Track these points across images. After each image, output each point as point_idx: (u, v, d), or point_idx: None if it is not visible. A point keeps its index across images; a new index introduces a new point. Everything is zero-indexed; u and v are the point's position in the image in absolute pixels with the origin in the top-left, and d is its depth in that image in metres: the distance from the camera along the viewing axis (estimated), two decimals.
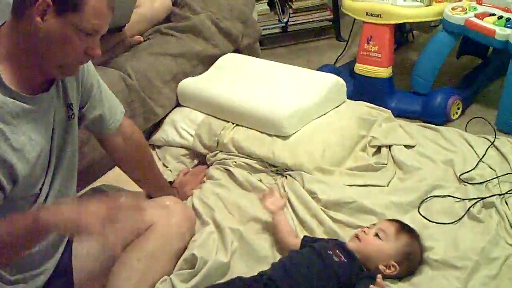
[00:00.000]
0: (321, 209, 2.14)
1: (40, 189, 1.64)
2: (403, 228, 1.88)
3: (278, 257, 1.96)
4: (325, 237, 2.02)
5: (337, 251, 1.81)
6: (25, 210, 1.60)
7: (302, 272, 1.73)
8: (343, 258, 1.78)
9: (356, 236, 1.87)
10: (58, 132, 1.69)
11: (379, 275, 1.68)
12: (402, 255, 1.82)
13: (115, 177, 2.32)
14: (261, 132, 2.49)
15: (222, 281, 1.86)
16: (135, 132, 2.09)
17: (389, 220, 1.95)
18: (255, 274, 1.82)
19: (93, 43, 1.57)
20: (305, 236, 1.97)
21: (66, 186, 1.78)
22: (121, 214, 1.50)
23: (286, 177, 2.34)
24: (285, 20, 4.27)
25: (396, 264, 1.80)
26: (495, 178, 2.26)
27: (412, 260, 1.85)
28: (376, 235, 1.85)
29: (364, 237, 1.85)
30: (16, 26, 1.51)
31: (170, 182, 2.41)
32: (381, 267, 1.80)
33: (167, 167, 2.59)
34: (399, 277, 1.84)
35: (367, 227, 1.90)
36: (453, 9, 2.93)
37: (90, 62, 1.81)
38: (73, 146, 1.78)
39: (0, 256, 1.54)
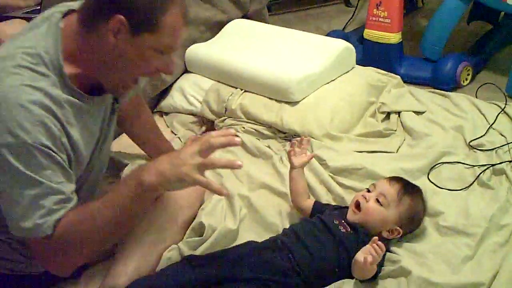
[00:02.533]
0: (329, 175, 2.13)
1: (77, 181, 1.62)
2: (405, 190, 1.82)
3: (286, 224, 1.95)
4: (334, 203, 2.01)
5: (343, 221, 1.78)
6: None
7: (313, 241, 1.72)
8: (349, 229, 1.76)
9: (356, 206, 1.81)
10: (106, 127, 1.69)
11: (375, 237, 1.65)
12: (405, 219, 1.79)
13: (122, 145, 2.31)
14: (270, 98, 2.48)
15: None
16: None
17: (389, 179, 1.87)
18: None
19: (167, 60, 1.54)
20: (316, 201, 1.95)
21: (99, 174, 1.78)
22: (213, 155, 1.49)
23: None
24: None
25: (399, 228, 1.78)
26: (505, 144, 2.25)
27: (415, 220, 1.83)
28: (377, 200, 1.79)
29: (365, 205, 1.79)
30: (85, 35, 1.47)
31: None
32: (384, 233, 1.78)
33: (175, 134, 2.58)
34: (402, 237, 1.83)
35: (368, 190, 1.84)
36: None
37: None
38: (112, 138, 1.79)
39: (115, 231, 1.54)
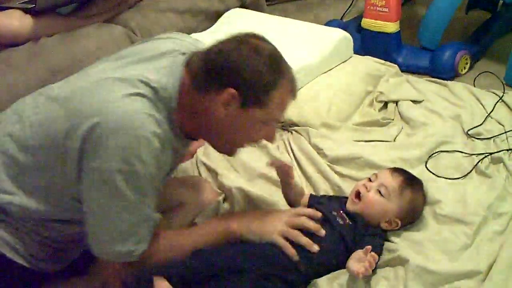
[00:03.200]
0: (327, 164, 2.12)
1: None
2: (407, 183, 1.81)
3: None
4: (332, 192, 2.01)
5: (341, 212, 1.76)
6: None
7: (312, 235, 1.68)
8: (347, 220, 1.74)
9: (357, 195, 1.79)
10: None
11: (368, 247, 1.63)
12: (405, 211, 1.78)
13: None
14: None
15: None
16: None
17: (392, 171, 1.85)
18: None
19: (272, 131, 1.59)
20: (311, 195, 1.92)
21: None
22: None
23: (292, 132, 2.33)
24: None
25: (398, 220, 1.77)
26: (503, 133, 2.25)
27: (415, 213, 1.83)
28: (378, 191, 1.77)
29: (365, 195, 1.76)
30: (197, 96, 1.50)
31: None
32: (383, 224, 1.76)
33: None
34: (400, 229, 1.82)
35: (369, 180, 1.82)
36: None
37: None
38: None
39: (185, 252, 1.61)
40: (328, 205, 1.80)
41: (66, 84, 1.61)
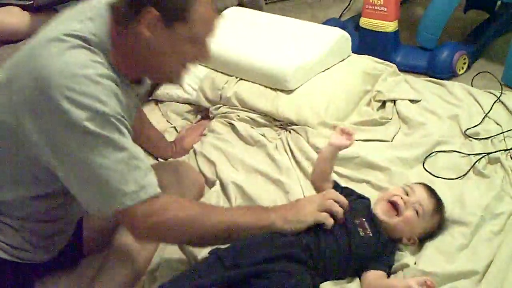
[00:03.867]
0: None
1: None
2: (440, 207, 1.78)
3: None
4: None
5: (364, 220, 1.67)
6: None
7: (328, 239, 1.62)
8: (368, 231, 1.65)
9: (392, 204, 1.71)
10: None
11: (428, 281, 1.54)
12: (427, 233, 1.76)
13: None
14: (265, 87, 2.47)
15: None
16: None
17: (427, 190, 1.79)
18: None
19: (204, 49, 1.58)
20: (335, 184, 1.83)
21: None
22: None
23: (290, 132, 2.33)
24: None
25: (417, 239, 1.74)
26: (501, 133, 2.25)
27: (433, 234, 1.79)
28: (415, 209, 1.70)
29: (403, 210, 1.69)
30: (124, 30, 1.49)
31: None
32: (404, 240, 1.73)
33: (171, 124, 2.57)
34: None
35: (406, 193, 1.74)
36: None
37: None
38: None
39: (211, 239, 1.59)
40: (350, 214, 1.68)
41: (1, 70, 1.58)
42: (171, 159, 2.25)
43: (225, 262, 1.51)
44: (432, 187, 1.94)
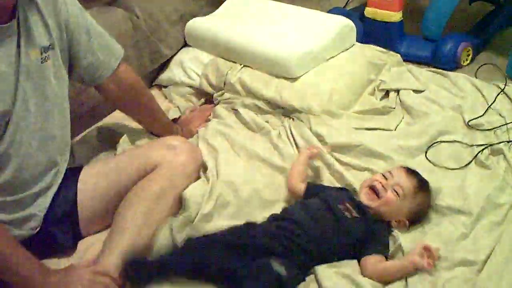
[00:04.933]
0: (328, 152, 2.12)
1: (7, 124, 1.64)
2: (420, 186, 1.83)
3: (283, 200, 1.97)
4: (334, 180, 2.01)
5: (347, 205, 1.77)
6: None
7: (314, 226, 1.70)
8: (354, 213, 1.75)
9: (372, 189, 1.82)
10: (29, 75, 1.66)
11: (426, 245, 1.63)
12: (415, 213, 1.81)
13: (120, 115, 2.31)
14: (269, 74, 2.47)
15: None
16: (130, 77, 2.08)
17: (406, 171, 1.87)
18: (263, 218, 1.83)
19: None
20: (309, 183, 1.93)
21: (52, 127, 1.78)
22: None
23: (293, 119, 2.33)
24: None
25: (406, 221, 1.79)
26: (504, 125, 2.25)
27: (422, 214, 1.84)
28: (394, 191, 1.79)
29: (383, 193, 1.79)
30: None
31: (176, 119, 2.41)
32: (393, 223, 1.79)
33: (174, 104, 2.58)
34: None
35: (384, 177, 1.84)
36: None
37: (74, 10, 1.82)
38: (45, 92, 1.74)
39: None
40: (333, 197, 1.80)
41: None
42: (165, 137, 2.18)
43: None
44: (434, 176, 1.96)
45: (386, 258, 1.70)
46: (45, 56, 1.71)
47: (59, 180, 1.85)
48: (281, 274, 1.56)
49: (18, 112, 1.65)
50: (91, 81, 1.99)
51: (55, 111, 1.79)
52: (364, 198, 1.81)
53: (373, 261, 1.66)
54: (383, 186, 1.81)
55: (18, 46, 1.63)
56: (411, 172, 1.87)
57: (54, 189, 1.84)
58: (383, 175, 1.85)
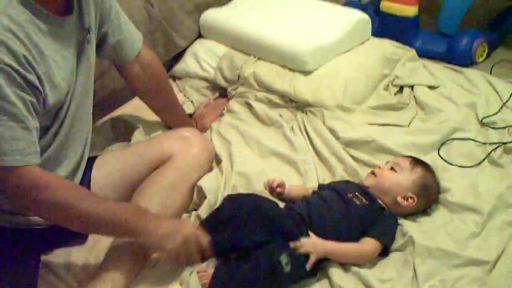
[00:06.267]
0: (341, 147, 2.13)
1: (59, 111, 1.65)
2: (417, 160, 1.90)
3: None
4: (347, 175, 2.02)
5: (357, 193, 1.80)
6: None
7: (328, 212, 1.74)
8: (364, 200, 1.78)
9: (372, 173, 1.89)
10: (77, 56, 1.68)
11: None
12: (419, 186, 1.83)
13: (134, 107, 2.32)
14: (283, 67, 2.47)
15: None
16: (154, 61, 2.09)
17: (403, 155, 1.97)
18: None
19: None
20: (320, 185, 1.94)
21: (82, 110, 1.78)
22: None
23: (306, 113, 2.33)
24: None
25: (414, 196, 1.81)
26: None
27: (429, 192, 1.85)
28: (391, 168, 1.86)
29: (379, 172, 1.87)
30: None
31: (191, 115, 2.41)
32: (399, 199, 1.81)
33: (188, 98, 2.58)
34: (416, 212, 1.85)
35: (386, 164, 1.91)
36: None
37: None
38: (88, 72, 1.77)
39: (85, 227, 1.65)
40: (342, 187, 1.84)
41: None
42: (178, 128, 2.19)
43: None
44: (446, 174, 1.97)
45: (385, 247, 1.72)
46: (89, 38, 1.74)
47: (85, 162, 1.87)
48: (284, 271, 1.58)
49: (75, 91, 1.69)
50: (117, 61, 2.01)
51: (90, 92, 1.84)
52: (366, 182, 1.89)
53: (363, 242, 1.71)
54: (380, 168, 1.89)
55: (76, 28, 1.67)
56: (408, 155, 1.96)
57: (80, 172, 1.85)
58: (386, 163, 1.92)
